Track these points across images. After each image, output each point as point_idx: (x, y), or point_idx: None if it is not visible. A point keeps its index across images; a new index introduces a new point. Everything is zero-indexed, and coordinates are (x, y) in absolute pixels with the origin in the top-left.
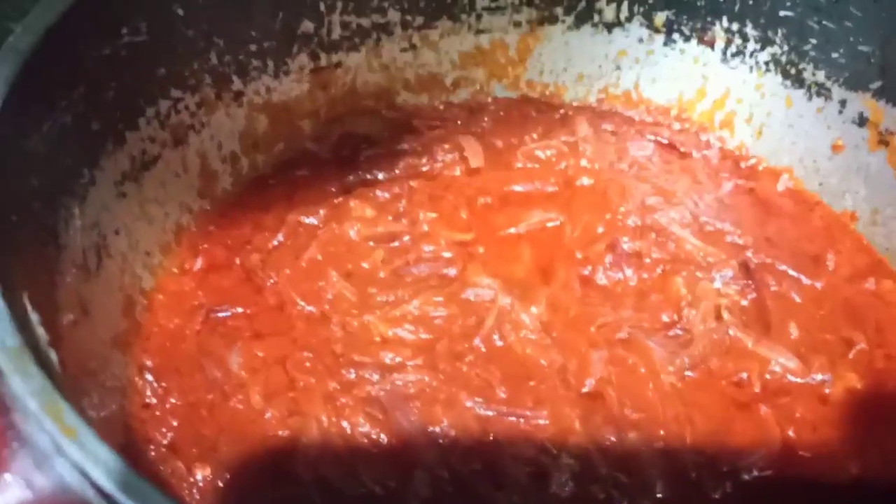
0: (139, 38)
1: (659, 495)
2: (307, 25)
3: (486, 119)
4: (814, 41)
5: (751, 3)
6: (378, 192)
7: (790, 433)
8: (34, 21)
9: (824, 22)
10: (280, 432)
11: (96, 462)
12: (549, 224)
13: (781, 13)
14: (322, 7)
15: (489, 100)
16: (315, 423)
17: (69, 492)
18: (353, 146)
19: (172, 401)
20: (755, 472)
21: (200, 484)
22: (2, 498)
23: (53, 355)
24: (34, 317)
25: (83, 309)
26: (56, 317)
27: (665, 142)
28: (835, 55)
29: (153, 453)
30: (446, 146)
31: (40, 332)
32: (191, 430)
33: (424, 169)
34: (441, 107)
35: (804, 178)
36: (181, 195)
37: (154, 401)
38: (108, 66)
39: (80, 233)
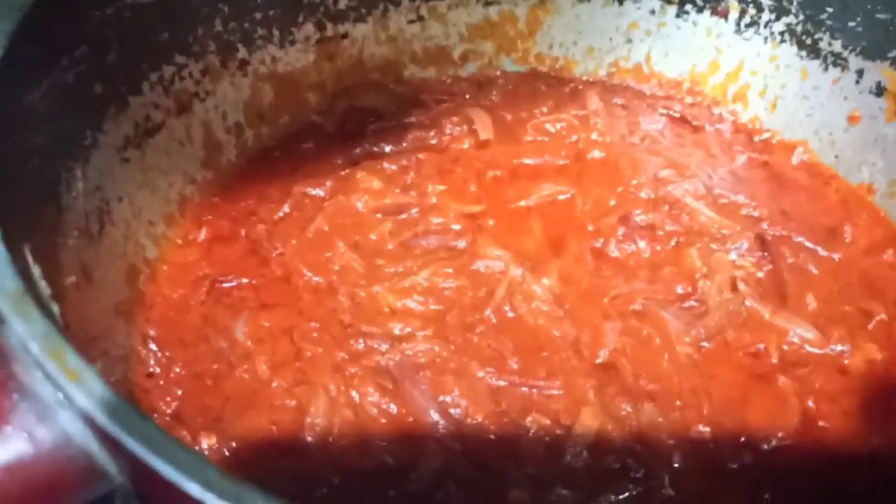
0: None
1: (676, 465)
2: None
3: (494, 93)
4: (830, 10)
5: None
6: (385, 165)
7: (809, 404)
8: None
9: None
10: (287, 402)
11: (102, 405)
12: (560, 197)
13: None
14: None
15: (497, 73)
16: (323, 393)
17: (72, 445)
18: (359, 119)
19: (177, 370)
20: (774, 443)
21: (206, 452)
22: (2, 451)
23: (56, 309)
24: (36, 270)
25: (85, 274)
26: (58, 277)
27: (677, 115)
28: (852, 24)
29: (157, 422)
30: (455, 119)
31: (42, 284)
32: (196, 399)
33: (433, 142)
34: (448, 81)
35: (819, 152)
36: (185, 165)
37: (158, 370)
38: (111, 27)
39: (82, 196)
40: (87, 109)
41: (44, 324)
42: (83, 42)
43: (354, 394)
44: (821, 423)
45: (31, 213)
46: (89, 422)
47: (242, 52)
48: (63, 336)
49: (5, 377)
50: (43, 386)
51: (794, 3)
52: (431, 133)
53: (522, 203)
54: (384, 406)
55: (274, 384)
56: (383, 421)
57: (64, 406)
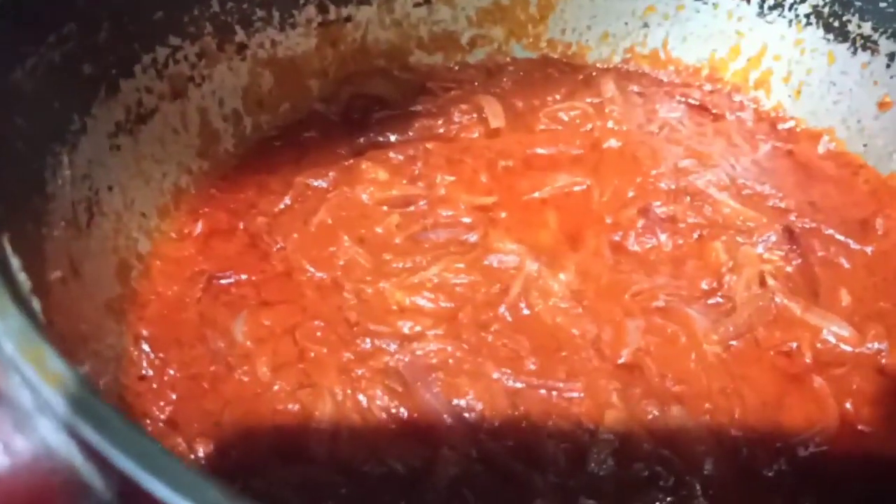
0: None
1: (707, 472)
2: None
3: (504, 80)
4: None
5: None
6: (392, 154)
7: (847, 406)
8: None
9: None
10: (290, 406)
11: (85, 413)
12: (576, 188)
13: None
14: None
15: (507, 60)
16: (328, 397)
17: (53, 456)
18: (364, 107)
19: (171, 373)
20: (811, 448)
21: (202, 461)
22: None
23: (37, 304)
24: (15, 262)
25: (73, 268)
26: (42, 271)
27: (696, 103)
28: (882, 4)
29: (150, 429)
30: (464, 107)
31: (21, 277)
32: (192, 404)
33: (441, 131)
34: (456, 67)
35: (847, 140)
36: (180, 154)
37: (151, 373)
38: (102, 4)
39: (69, 184)
40: (75, 91)
41: (19, 320)
42: (71, 19)
43: (362, 397)
44: (860, 427)
45: (13, 200)
46: (72, 431)
47: (241, 35)
48: (42, 334)
49: None
50: (20, 390)
51: None
52: (439, 121)
53: (536, 195)
54: (394, 410)
55: (276, 387)
56: (393, 426)
57: (44, 413)
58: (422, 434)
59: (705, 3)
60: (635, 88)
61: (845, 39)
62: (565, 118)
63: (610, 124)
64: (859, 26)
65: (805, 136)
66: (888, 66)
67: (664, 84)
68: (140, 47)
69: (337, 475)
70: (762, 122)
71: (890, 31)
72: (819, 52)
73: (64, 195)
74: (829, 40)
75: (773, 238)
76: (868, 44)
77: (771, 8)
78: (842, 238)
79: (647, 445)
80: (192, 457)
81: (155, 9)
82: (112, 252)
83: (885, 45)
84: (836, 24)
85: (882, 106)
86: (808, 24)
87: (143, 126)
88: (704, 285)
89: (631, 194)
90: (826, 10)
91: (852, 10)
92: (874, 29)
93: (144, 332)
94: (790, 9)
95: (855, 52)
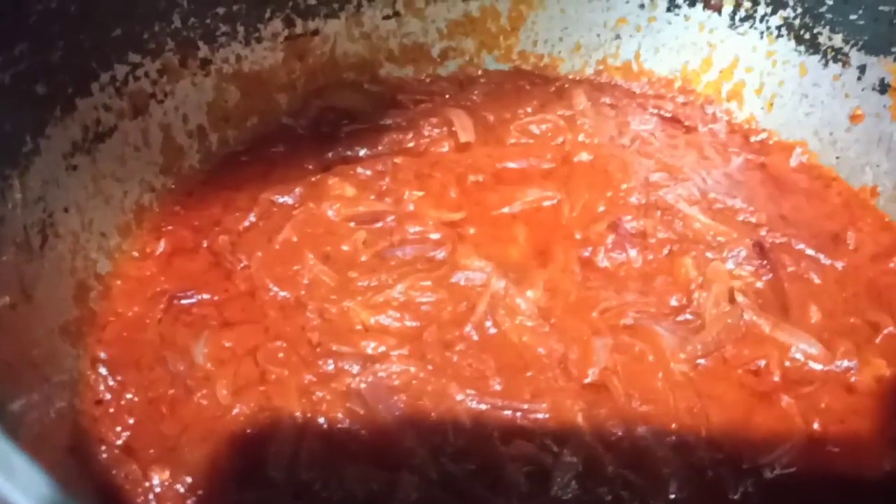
0: None
1: (672, 496)
2: None
3: (475, 93)
4: (830, 2)
5: None
6: (359, 170)
7: (815, 426)
8: None
9: None
10: (249, 430)
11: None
12: (546, 203)
13: None
14: None
15: (479, 72)
16: (289, 420)
17: None
18: (332, 121)
19: (129, 396)
20: (778, 470)
21: (158, 489)
22: None
23: None
24: None
25: (24, 292)
26: None
27: (668, 115)
28: (853, 17)
29: (105, 455)
30: (434, 120)
31: None
32: (149, 428)
33: (410, 145)
34: (427, 80)
35: (819, 152)
36: (142, 172)
37: (108, 397)
38: (55, 22)
39: (20, 207)
40: (27, 112)
41: None
42: (23, 38)
43: (323, 420)
44: (828, 447)
45: None
46: None
47: (204, 51)
48: None
49: None
50: None
51: None
52: (409, 135)
53: (506, 210)
54: (355, 433)
55: (235, 410)
56: (354, 449)
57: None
58: (382, 457)
59: (677, 15)
60: (607, 100)
61: (816, 51)
62: (536, 131)
63: (581, 137)
64: (830, 38)
65: (777, 149)
66: (859, 78)
67: (637, 96)
68: (97, 65)
69: (295, 499)
70: (735, 134)
71: (860, 43)
72: (791, 64)
73: (14, 219)
74: (800, 52)
75: (744, 253)
76: (839, 56)
77: (742, 20)
78: (812, 253)
79: (611, 468)
80: (147, 483)
81: (113, 25)
82: (69, 274)
83: (856, 57)
84: (808, 35)
85: (854, 118)
86: (780, 35)
87: (102, 145)
88: (674, 301)
89: (601, 209)
90: (797, 21)
91: (823, 23)
92: (845, 41)
93: (102, 355)
94: (761, 20)
95: (826, 64)
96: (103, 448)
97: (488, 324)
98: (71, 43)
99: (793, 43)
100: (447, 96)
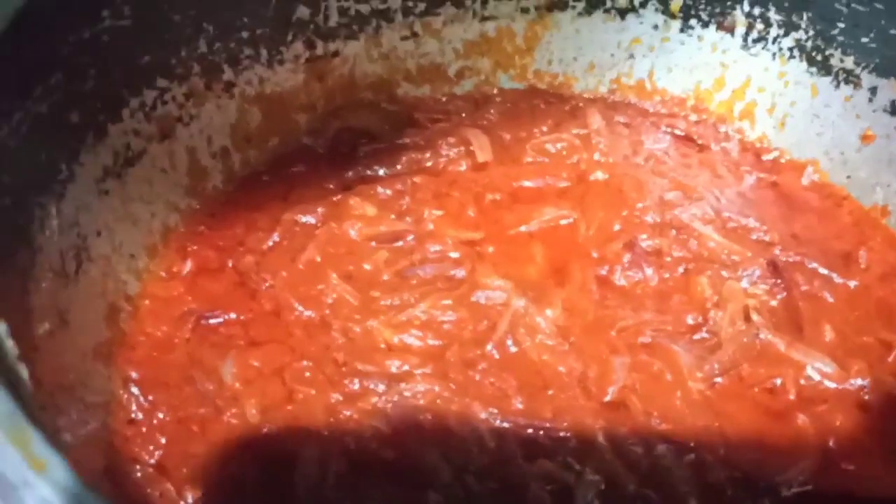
0: (122, 21)
1: None
2: (302, 11)
3: (491, 111)
4: (842, 25)
5: None
6: (379, 189)
7: (830, 443)
8: (4, 1)
9: (853, 4)
10: (278, 448)
11: (52, 482)
12: (563, 222)
13: None
14: None
15: (495, 91)
16: (316, 440)
17: None
18: (351, 141)
19: (160, 416)
20: (795, 488)
21: None
22: None
23: (24, 371)
24: (1, 328)
25: (61, 318)
26: (29, 327)
27: (681, 134)
28: (864, 39)
29: (139, 474)
30: (451, 140)
31: (9, 345)
32: (180, 448)
33: (428, 164)
34: (444, 99)
35: (830, 172)
36: (168, 193)
37: (140, 416)
38: (88, 52)
39: (57, 234)
40: (62, 141)
41: (7, 402)
42: (58, 69)
43: (349, 440)
44: (843, 466)
45: None
46: None
47: (228, 74)
48: (29, 417)
49: None
50: (7, 463)
51: (804, 17)
52: (427, 154)
53: (523, 228)
54: (381, 452)
55: (264, 430)
56: (380, 469)
57: (31, 488)
58: (409, 478)
59: (690, 36)
60: (621, 119)
61: (828, 73)
62: (552, 150)
63: (596, 156)
64: (842, 60)
65: (789, 168)
66: (870, 99)
67: (650, 114)
68: (128, 91)
69: None
70: (747, 153)
71: (872, 65)
72: (802, 85)
73: (51, 246)
74: (812, 73)
75: (758, 272)
76: (850, 77)
77: (755, 41)
78: (825, 271)
79: (632, 486)
80: (182, 502)
81: (142, 53)
82: (100, 296)
83: (867, 79)
84: (819, 57)
85: (865, 139)
86: (792, 57)
87: (131, 168)
88: (690, 320)
89: (617, 227)
90: (809, 44)
91: (835, 45)
92: (856, 63)
93: (133, 375)
94: (774, 42)
95: (838, 86)
96: (137, 467)
97: (509, 342)
98: (103, 71)
99: (805, 64)
100: (463, 115)
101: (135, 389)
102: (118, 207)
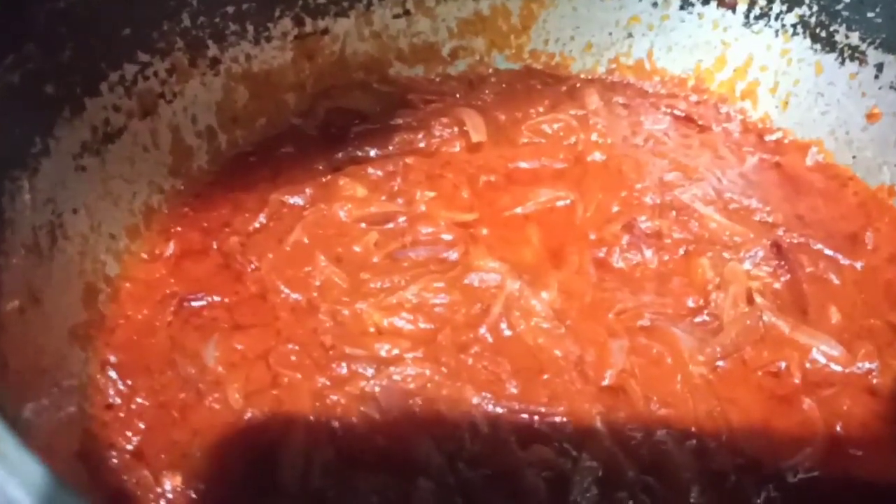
0: None
1: (693, 501)
2: None
3: (486, 92)
4: (846, 0)
5: None
6: (370, 170)
7: (837, 429)
8: None
9: None
10: (262, 435)
11: (21, 479)
12: (559, 203)
13: None
14: None
15: (490, 71)
16: (302, 425)
17: None
18: (342, 121)
19: (139, 401)
20: (801, 474)
21: (170, 495)
22: None
23: None
24: None
25: (33, 296)
26: None
27: (682, 115)
28: (870, 14)
29: (116, 460)
30: (445, 120)
31: None
32: (160, 433)
33: (421, 145)
34: (437, 79)
35: (835, 152)
36: (151, 173)
37: (118, 401)
38: (64, 23)
39: (29, 209)
40: (36, 113)
41: None
42: (31, 39)
43: (337, 424)
44: (851, 451)
45: None
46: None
47: (213, 50)
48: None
49: None
50: None
51: None
52: (420, 135)
53: (518, 210)
54: (369, 438)
55: (247, 415)
56: (368, 455)
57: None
58: (398, 464)
59: (690, 13)
60: (620, 100)
61: (833, 50)
62: (548, 131)
63: (594, 137)
64: (847, 36)
65: (793, 148)
66: (876, 76)
67: (649, 95)
68: (107, 65)
69: None
70: (749, 134)
71: (878, 41)
72: (806, 63)
73: (23, 221)
74: (816, 50)
75: (761, 253)
76: (856, 54)
77: (757, 18)
78: (831, 253)
79: (631, 473)
80: (159, 489)
81: (122, 25)
82: (77, 276)
83: (873, 55)
84: (823, 34)
85: (871, 117)
86: (795, 34)
87: (111, 145)
88: (691, 303)
89: (615, 209)
90: (813, 20)
91: (839, 20)
92: (862, 39)
93: (112, 359)
94: (776, 18)
95: (843, 63)
96: (114, 453)
97: (503, 326)
98: (80, 43)
99: (808, 41)
100: (457, 96)
101: (113, 373)
102: (97, 185)
